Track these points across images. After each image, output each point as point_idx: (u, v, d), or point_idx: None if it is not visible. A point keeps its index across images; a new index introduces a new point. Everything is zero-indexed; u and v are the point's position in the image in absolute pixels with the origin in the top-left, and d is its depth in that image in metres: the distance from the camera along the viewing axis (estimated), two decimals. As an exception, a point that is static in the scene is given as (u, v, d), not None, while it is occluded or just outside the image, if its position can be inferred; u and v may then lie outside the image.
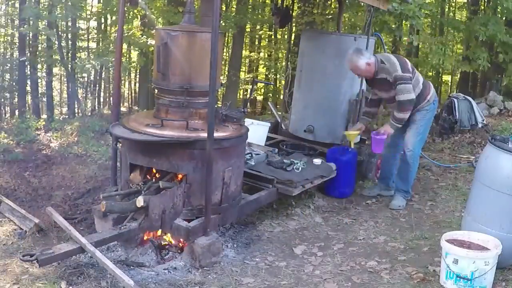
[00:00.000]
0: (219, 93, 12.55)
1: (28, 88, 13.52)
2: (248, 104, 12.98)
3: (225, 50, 14.60)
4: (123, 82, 16.46)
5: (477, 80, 13.98)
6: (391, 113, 4.58)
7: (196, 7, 4.06)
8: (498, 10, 10.56)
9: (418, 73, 4.65)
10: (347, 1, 7.46)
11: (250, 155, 4.60)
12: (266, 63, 16.51)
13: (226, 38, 13.94)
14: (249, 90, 16.24)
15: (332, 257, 3.62)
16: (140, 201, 3.14)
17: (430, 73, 16.11)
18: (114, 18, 11.38)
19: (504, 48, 10.11)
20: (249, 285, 3.19)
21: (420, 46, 11.85)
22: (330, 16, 9.90)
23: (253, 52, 17.60)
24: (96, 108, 13.92)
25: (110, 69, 12.49)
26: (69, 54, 13.61)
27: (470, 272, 2.96)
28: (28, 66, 13.12)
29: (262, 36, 17.20)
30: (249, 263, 3.52)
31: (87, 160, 5.75)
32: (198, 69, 3.43)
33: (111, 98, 13.06)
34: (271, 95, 15.49)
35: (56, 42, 12.23)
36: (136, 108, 13.14)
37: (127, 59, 13.87)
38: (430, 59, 8.87)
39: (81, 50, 14.49)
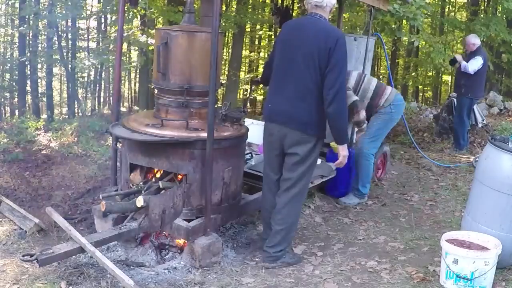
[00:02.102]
0: (219, 93, 12.57)
1: (28, 88, 13.53)
2: (248, 104, 13.04)
3: (225, 50, 14.61)
4: (123, 82, 16.48)
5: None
6: None
7: (196, 7, 4.06)
8: (499, 10, 10.58)
9: (372, 80, 4.76)
10: (347, 1, 7.46)
11: (250, 155, 4.60)
12: (266, 63, 16.51)
13: (226, 38, 13.95)
14: (249, 90, 16.25)
15: (332, 257, 3.62)
16: (140, 201, 3.14)
17: (430, 73, 16.16)
18: (114, 18, 11.39)
19: (507, 48, 10.12)
20: (249, 285, 3.19)
21: (420, 46, 11.86)
22: (330, 16, 9.90)
23: (253, 52, 17.62)
24: (96, 108, 13.93)
25: (110, 69, 12.53)
26: (69, 54, 13.63)
27: (470, 272, 2.96)
28: (28, 66, 13.13)
29: (262, 36, 17.22)
30: (249, 263, 3.52)
31: (87, 160, 5.75)
32: (198, 69, 3.43)
33: (111, 98, 13.08)
34: (271, 95, 15.48)
35: (56, 42, 12.25)
36: (136, 108, 13.15)
37: (127, 59, 13.89)
38: (433, 58, 8.87)
39: (81, 50, 14.50)
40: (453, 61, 7.09)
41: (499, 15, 10.37)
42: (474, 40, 6.85)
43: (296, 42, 3.23)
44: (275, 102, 3.34)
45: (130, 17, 9.15)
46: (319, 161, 4.68)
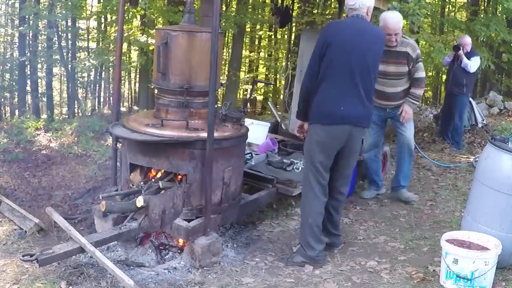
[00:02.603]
0: (219, 93, 12.57)
1: (28, 88, 13.54)
2: (248, 104, 13.04)
3: (225, 50, 14.62)
4: (123, 82, 16.48)
5: (477, 80, 14.00)
6: (410, 93, 4.60)
7: (196, 7, 4.06)
8: (499, 10, 10.58)
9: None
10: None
11: (250, 155, 4.60)
12: (266, 63, 16.54)
13: (226, 38, 13.95)
14: (249, 90, 16.26)
15: (332, 257, 3.62)
16: (140, 201, 3.14)
17: (431, 73, 16.14)
18: (114, 18, 11.39)
19: (507, 48, 10.12)
20: (249, 285, 3.19)
21: (420, 46, 11.86)
22: (330, 16, 9.90)
23: (253, 52, 17.63)
24: (96, 108, 13.94)
25: (110, 69, 12.53)
26: (69, 54, 13.64)
27: (470, 272, 2.96)
28: (28, 66, 13.14)
29: (262, 36, 17.22)
30: (249, 263, 3.52)
31: (87, 160, 5.75)
32: (198, 69, 3.43)
33: (111, 98, 13.08)
34: (271, 95, 15.53)
35: (56, 42, 12.25)
36: (136, 108, 13.15)
37: (127, 59, 13.89)
38: (433, 58, 8.87)
39: (81, 50, 14.51)
40: (457, 48, 6.99)
41: (499, 15, 10.36)
42: (470, 40, 7.01)
43: (357, 45, 3.38)
44: (348, 104, 3.32)
45: (130, 17, 9.16)
46: None
